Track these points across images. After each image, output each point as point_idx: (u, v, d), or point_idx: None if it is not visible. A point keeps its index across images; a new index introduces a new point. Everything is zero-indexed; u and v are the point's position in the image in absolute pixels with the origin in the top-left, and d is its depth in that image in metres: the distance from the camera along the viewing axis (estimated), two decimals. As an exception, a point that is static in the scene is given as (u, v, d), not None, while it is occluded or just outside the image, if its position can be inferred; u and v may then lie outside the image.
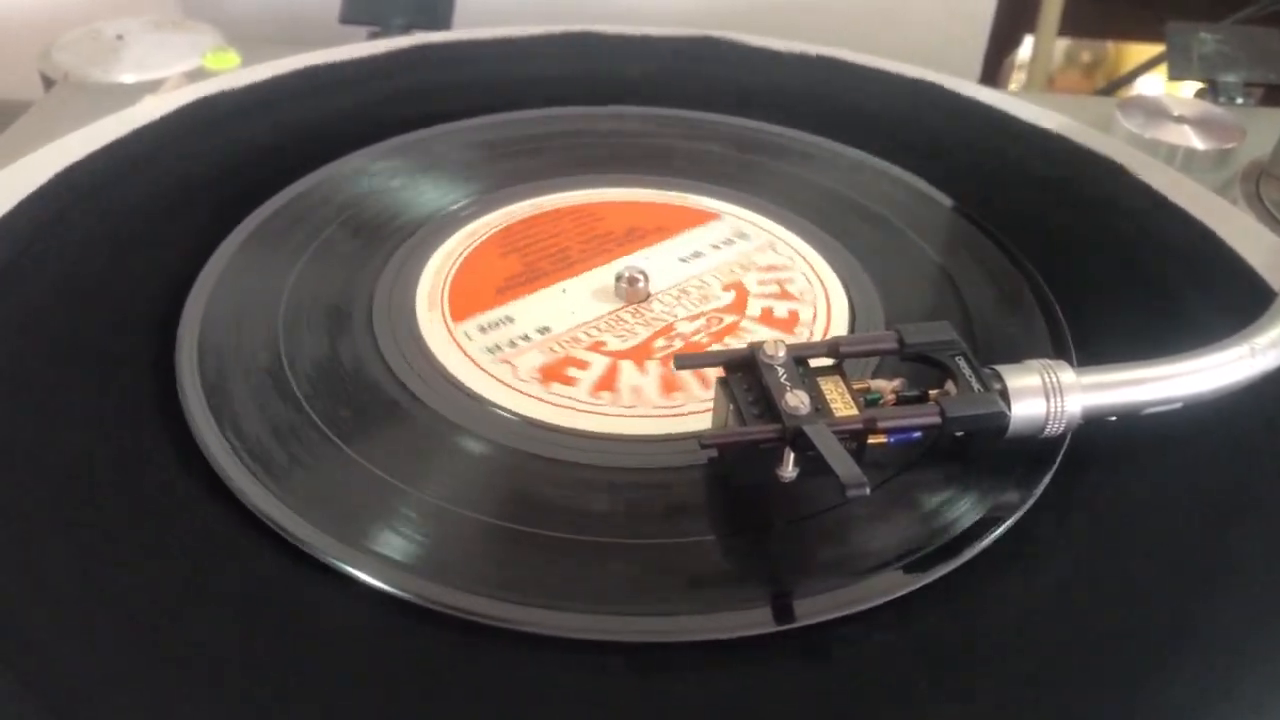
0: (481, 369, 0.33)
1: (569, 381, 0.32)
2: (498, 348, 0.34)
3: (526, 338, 0.34)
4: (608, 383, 0.33)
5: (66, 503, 0.28)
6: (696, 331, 0.35)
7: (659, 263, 0.38)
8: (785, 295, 0.37)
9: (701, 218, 0.41)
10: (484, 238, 0.39)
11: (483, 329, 0.35)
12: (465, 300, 0.36)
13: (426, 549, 0.27)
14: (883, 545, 0.28)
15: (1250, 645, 0.25)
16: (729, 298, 0.37)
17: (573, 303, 0.36)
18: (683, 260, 0.38)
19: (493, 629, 0.25)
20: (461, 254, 0.38)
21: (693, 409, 0.32)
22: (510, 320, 0.35)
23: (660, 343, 0.34)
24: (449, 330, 0.34)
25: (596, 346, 0.34)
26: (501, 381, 0.32)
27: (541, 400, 0.32)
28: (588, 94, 0.49)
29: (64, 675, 0.23)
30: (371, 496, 0.29)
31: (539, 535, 0.28)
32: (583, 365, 0.33)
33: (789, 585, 0.27)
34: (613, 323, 0.35)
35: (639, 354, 0.34)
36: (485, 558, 0.27)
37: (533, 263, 0.38)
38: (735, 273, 0.38)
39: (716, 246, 0.39)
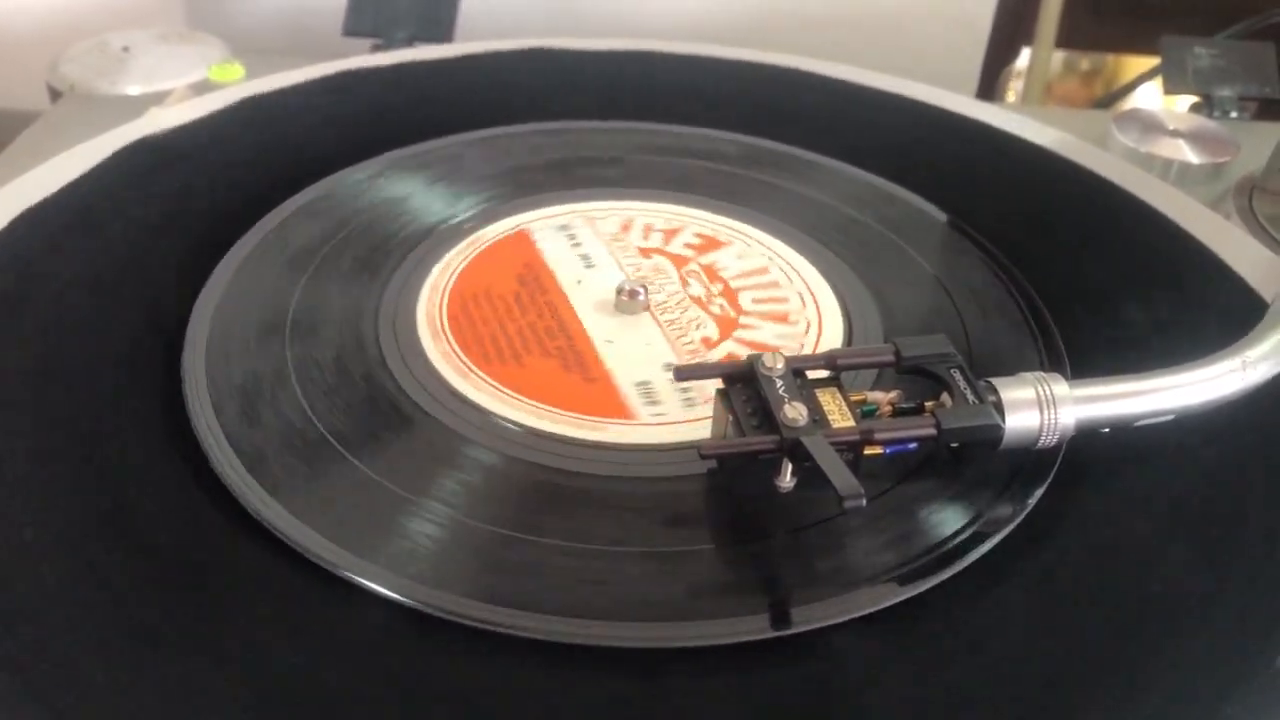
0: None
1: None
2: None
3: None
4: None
5: (76, 521, 0.28)
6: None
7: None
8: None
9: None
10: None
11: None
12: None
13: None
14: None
15: (1244, 655, 0.26)
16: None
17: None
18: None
19: (495, 635, 0.26)
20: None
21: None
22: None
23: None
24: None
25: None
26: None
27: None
28: (581, 109, 0.49)
29: (70, 685, 0.24)
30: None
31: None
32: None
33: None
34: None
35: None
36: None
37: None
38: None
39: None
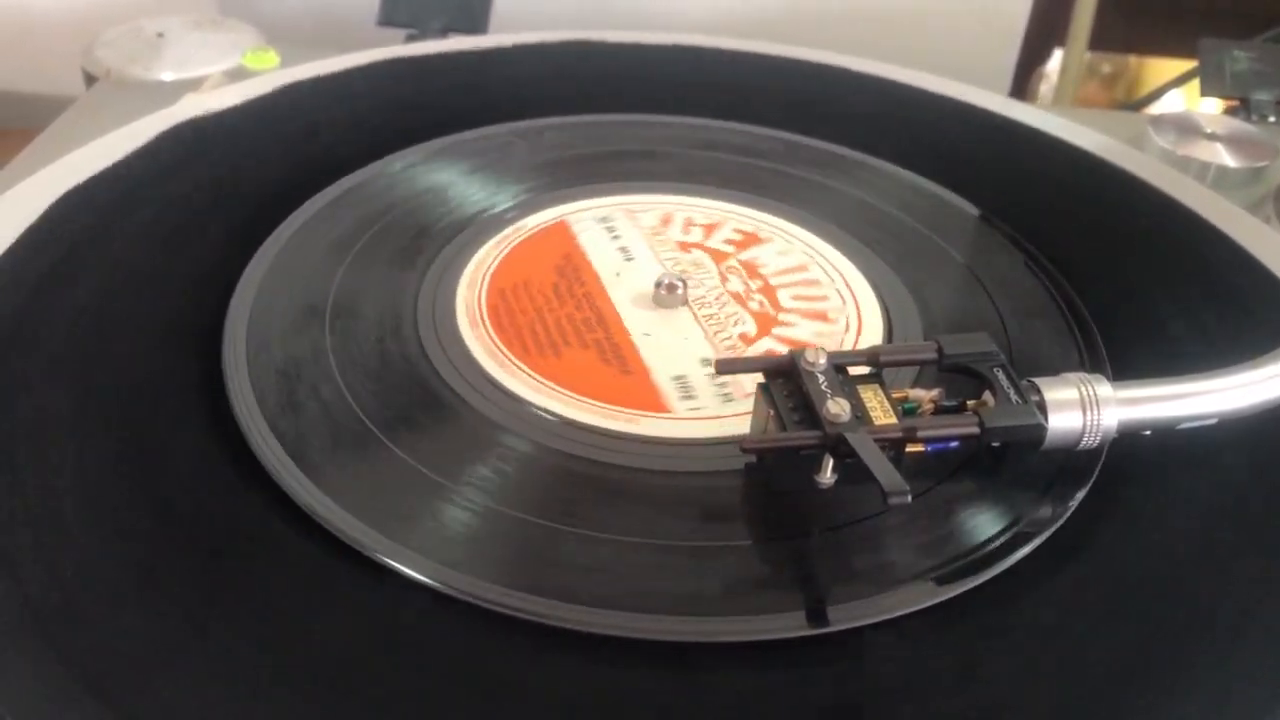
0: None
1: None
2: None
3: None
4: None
5: (115, 501, 0.28)
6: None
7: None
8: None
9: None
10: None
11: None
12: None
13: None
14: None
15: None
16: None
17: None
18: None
19: (524, 622, 0.26)
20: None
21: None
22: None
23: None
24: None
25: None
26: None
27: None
28: (620, 102, 0.49)
29: (109, 666, 0.24)
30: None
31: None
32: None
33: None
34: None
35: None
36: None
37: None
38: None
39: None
